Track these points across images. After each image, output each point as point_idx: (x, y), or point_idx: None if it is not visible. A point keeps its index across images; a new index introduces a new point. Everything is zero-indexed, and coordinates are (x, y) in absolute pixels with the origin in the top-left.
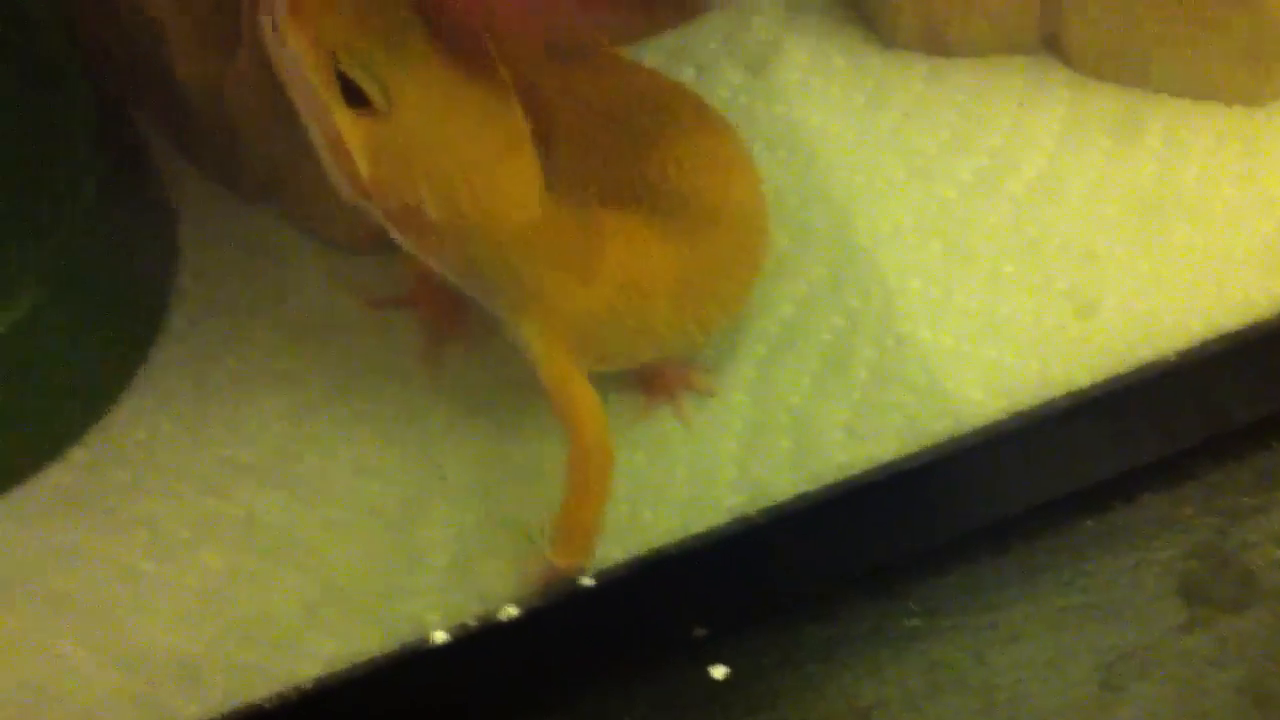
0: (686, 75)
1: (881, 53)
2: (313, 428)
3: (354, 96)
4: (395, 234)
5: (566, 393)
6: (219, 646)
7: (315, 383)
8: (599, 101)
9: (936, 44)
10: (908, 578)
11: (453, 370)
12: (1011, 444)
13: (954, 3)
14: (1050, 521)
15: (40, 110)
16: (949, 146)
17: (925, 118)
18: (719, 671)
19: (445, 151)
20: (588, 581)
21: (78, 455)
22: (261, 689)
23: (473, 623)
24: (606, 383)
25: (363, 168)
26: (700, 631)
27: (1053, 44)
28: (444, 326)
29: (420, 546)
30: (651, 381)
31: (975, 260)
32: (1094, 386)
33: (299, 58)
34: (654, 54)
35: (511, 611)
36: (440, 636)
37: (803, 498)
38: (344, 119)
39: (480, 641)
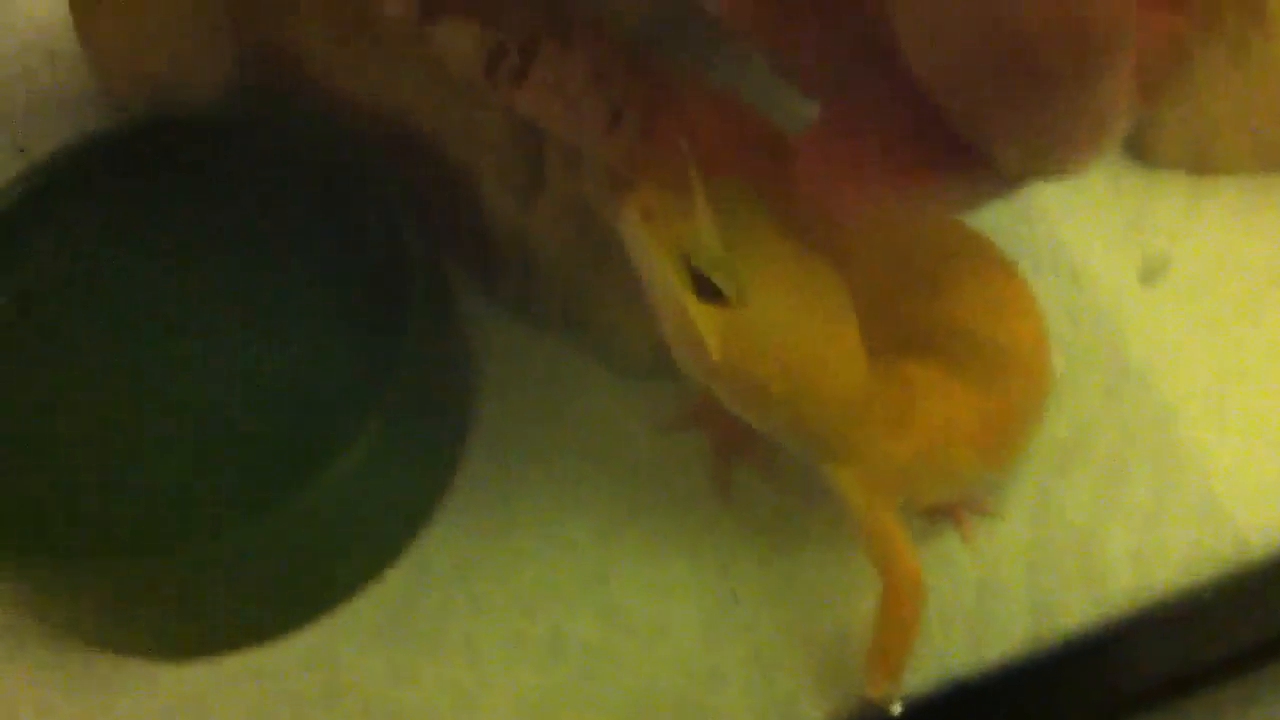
0: None
1: (1142, 171)
2: (612, 550)
3: (706, 289)
4: (728, 403)
5: (882, 536)
6: None
7: (612, 505)
8: (887, 244)
9: (1198, 162)
10: (1187, 692)
11: (741, 489)
12: None
13: (1217, 121)
14: None
15: (371, 265)
16: (1214, 265)
17: (1189, 237)
18: None
19: (791, 334)
20: (896, 708)
21: (395, 576)
22: None
23: None
24: None
25: (714, 352)
26: None
27: None
28: (731, 447)
29: (720, 665)
30: (935, 502)
31: (1249, 379)
32: None
33: (651, 255)
34: None
35: None
36: None
37: (1095, 625)
38: (695, 307)
39: None
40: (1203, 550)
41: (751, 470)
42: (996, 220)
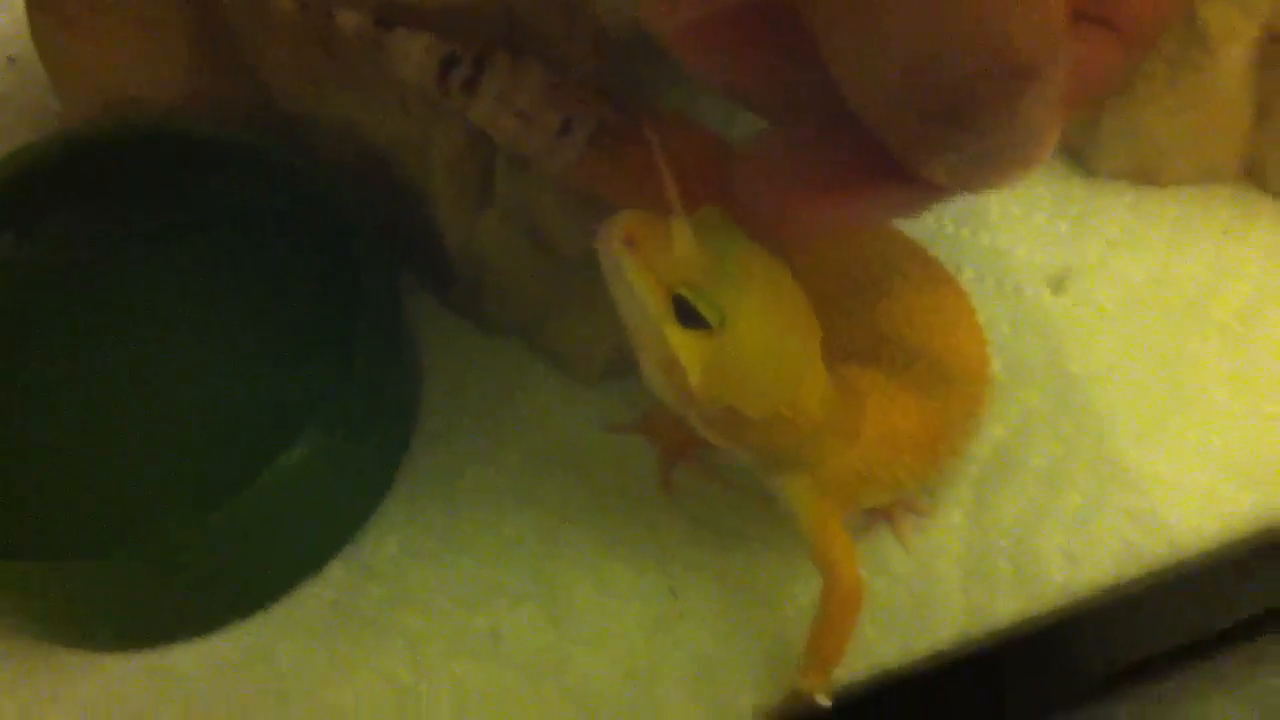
0: None
1: (1086, 182)
2: (555, 548)
3: (688, 318)
4: (700, 426)
5: (827, 543)
6: None
7: (557, 505)
8: (833, 256)
9: (1142, 174)
10: (1119, 687)
11: (684, 491)
12: (1224, 569)
13: (1158, 134)
14: (1257, 631)
15: (322, 272)
16: (1156, 276)
17: (1131, 247)
18: None
19: (770, 361)
20: (825, 701)
21: (336, 571)
22: None
23: None
24: None
25: (694, 381)
26: None
27: (1254, 172)
28: (676, 451)
29: (660, 662)
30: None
31: (1186, 389)
32: None
33: (633, 283)
34: None
35: None
36: None
37: (1025, 621)
38: (677, 336)
39: None
40: (1134, 550)
41: (695, 473)
42: (940, 228)
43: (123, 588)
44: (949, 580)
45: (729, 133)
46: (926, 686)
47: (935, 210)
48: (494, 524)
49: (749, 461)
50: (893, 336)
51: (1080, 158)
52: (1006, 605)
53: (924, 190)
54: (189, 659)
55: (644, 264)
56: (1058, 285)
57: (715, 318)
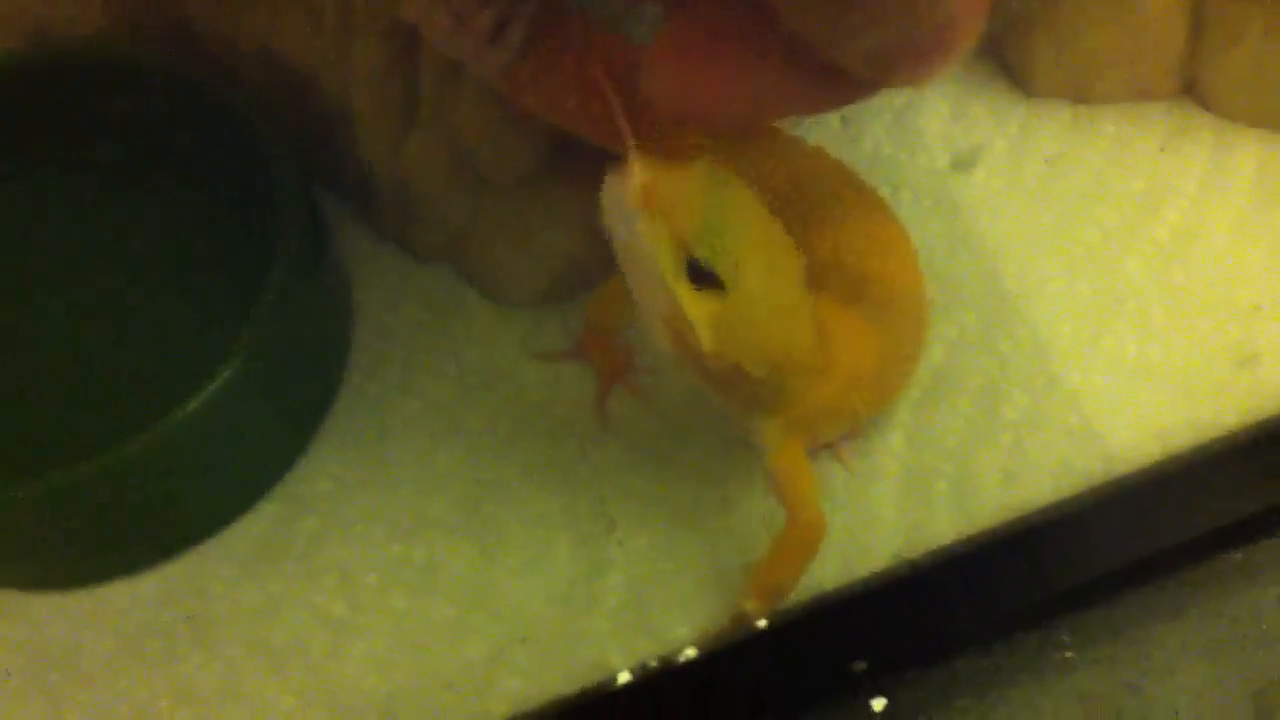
0: (831, 126)
1: (1023, 101)
2: (490, 476)
3: (701, 277)
4: (701, 382)
5: (794, 478)
6: (413, 688)
7: (490, 433)
8: (769, 184)
9: (1078, 92)
10: (1060, 612)
11: (620, 419)
12: (1164, 486)
13: (1095, 52)
14: (1198, 555)
15: (241, 200)
16: (1093, 194)
17: (1068, 165)
18: (878, 704)
19: (773, 318)
20: (761, 624)
21: (268, 507)
22: None
23: (654, 664)
24: None
25: (704, 339)
26: (861, 666)
27: (1193, 89)
28: (614, 378)
29: (596, 591)
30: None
31: (1123, 306)
32: (1244, 430)
33: (645, 244)
34: None
35: (691, 653)
36: (625, 677)
37: (961, 541)
38: (687, 296)
39: (661, 681)
40: (1071, 468)
41: (630, 399)
42: (878, 150)
43: (37, 526)
44: (888, 502)
45: None
46: (863, 608)
47: (872, 133)
48: (427, 455)
49: (724, 406)
50: (837, 265)
51: (1018, 77)
52: (945, 525)
53: (840, 83)
54: (118, 596)
55: (661, 222)
56: (995, 207)
57: (730, 279)
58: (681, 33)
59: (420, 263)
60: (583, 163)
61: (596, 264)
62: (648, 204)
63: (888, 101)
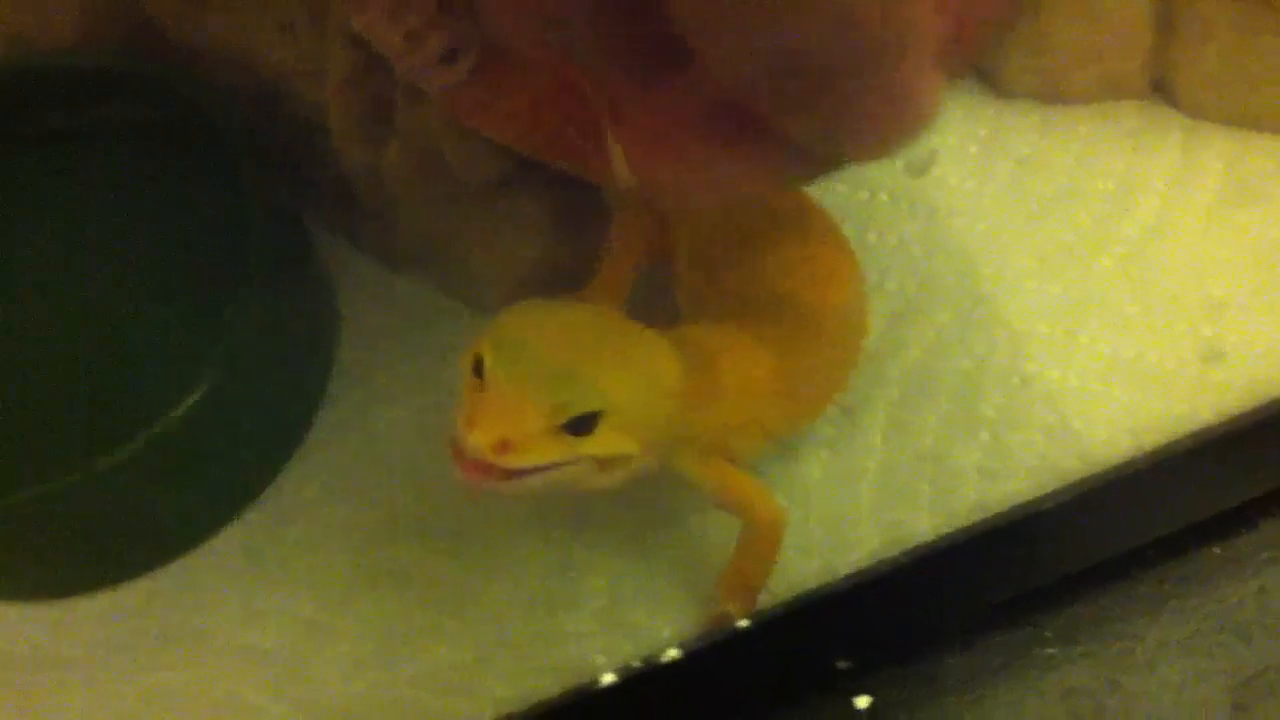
0: None
1: (995, 101)
2: None
3: (582, 427)
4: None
5: (729, 490)
6: (396, 693)
7: None
8: (716, 209)
9: (1048, 92)
10: (1042, 608)
11: None
12: (1141, 482)
13: (1065, 52)
14: (1177, 550)
15: (218, 212)
16: (1065, 193)
17: (1040, 164)
18: (862, 701)
19: (646, 415)
20: (743, 623)
21: (254, 515)
22: None
23: (638, 664)
24: None
25: (633, 460)
26: (844, 664)
27: (1162, 88)
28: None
29: (577, 594)
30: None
31: (1096, 304)
32: (1219, 425)
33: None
34: None
35: (674, 653)
36: (608, 678)
37: (940, 539)
38: (589, 448)
39: (645, 682)
40: (1049, 465)
41: None
42: None
43: (24, 532)
44: (866, 501)
45: None
46: (845, 606)
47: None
48: (406, 461)
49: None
50: (769, 291)
51: (988, 79)
52: (924, 523)
53: (802, 158)
54: (97, 606)
55: (532, 453)
56: (969, 207)
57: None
58: (653, 103)
59: (400, 273)
60: (550, 169)
61: (565, 269)
62: (507, 451)
63: None
